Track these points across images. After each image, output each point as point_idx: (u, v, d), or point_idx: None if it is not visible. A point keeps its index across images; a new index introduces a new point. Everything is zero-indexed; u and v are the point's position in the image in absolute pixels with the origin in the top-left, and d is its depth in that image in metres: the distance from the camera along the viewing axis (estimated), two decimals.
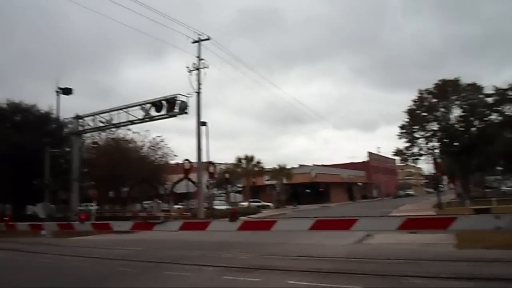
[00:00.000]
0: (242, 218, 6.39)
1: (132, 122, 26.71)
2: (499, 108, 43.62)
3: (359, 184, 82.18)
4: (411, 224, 5.09)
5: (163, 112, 24.32)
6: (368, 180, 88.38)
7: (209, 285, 8.05)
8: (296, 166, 66.57)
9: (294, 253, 11.35)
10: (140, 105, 24.79)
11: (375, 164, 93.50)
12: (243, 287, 7.60)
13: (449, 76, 47.89)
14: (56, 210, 32.16)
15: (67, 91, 30.48)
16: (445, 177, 60.57)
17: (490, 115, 45.12)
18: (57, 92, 30.03)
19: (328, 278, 7.79)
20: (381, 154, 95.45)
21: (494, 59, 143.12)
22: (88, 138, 46.40)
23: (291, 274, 8.35)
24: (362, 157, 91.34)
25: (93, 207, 30.76)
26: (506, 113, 43.27)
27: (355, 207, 49.99)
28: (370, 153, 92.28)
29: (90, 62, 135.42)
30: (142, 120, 25.59)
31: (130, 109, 25.41)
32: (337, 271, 8.24)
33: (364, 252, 11.10)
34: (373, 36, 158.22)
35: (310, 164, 70.43)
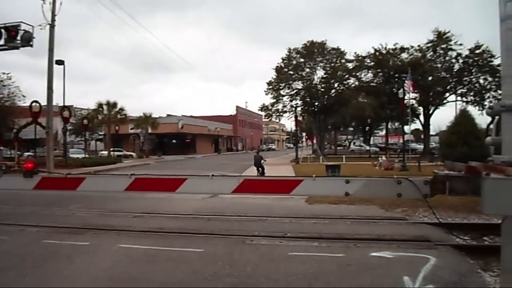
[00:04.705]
0: (38, 173, 4.91)
1: None
2: (357, 74, 47.10)
3: (225, 136, 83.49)
4: (250, 187, 4.38)
5: (2, 42, 20.41)
6: (235, 133, 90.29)
7: (24, 251, 6.58)
8: (163, 115, 64.44)
9: (141, 208, 10.31)
10: None
11: (242, 118, 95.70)
12: (65, 253, 6.34)
13: (311, 39, 50.09)
14: None
15: None
16: (304, 134, 64.68)
17: (348, 79, 48.59)
18: None
19: (166, 239, 6.93)
20: (248, 109, 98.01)
21: (352, 26, 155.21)
22: None
23: (127, 236, 7.32)
24: (230, 111, 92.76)
25: None
26: (362, 79, 46.99)
27: (219, 158, 50.49)
28: (238, 107, 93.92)
29: None
30: None
31: None
32: (179, 231, 7.47)
33: (215, 207, 10.56)
34: None
35: (178, 114, 68.85)
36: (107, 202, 11.35)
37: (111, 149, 45.96)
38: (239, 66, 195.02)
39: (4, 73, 37.84)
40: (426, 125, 45.90)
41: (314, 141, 49.28)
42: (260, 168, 20.22)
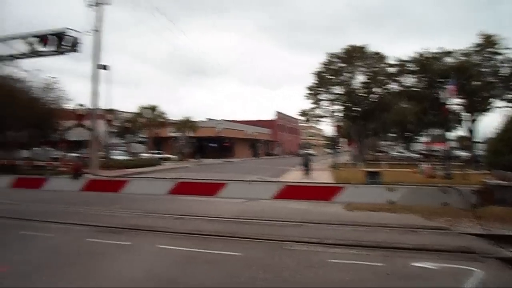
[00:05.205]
0: (83, 175, 5.12)
1: (13, 57, 23.04)
2: (398, 78, 46.04)
3: (263, 141, 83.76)
4: (291, 193, 4.38)
5: (51, 47, 21.36)
6: (273, 138, 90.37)
7: (68, 249, 6.86)
8: (203, 119, 65.38)
9: (179, 211, 10.48)
10: (22, 37, 21.39)
11: (280, 122, 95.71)
12: (107, 252, 6.56)
13: (349, 43, 49.49)
14: None
15: None
16: (343, 140, 63.82)
17: (389, 84, 47.53)
18: None
19: (205, 242, 7.03)
20: (286, 113, 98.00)
21: (390, 31, 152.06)
22: None
23: (166, 237, 7.46)
24: (267, 114, 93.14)
25: None
26: (404, 84, 45.88)
27: (257, 163, 50.66)
28: (278, 112, 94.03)
29: None
30: (27, 55, 22.17)
31: (12, 41, 21.86)
32: (217, 234, 7.54)
33: (252, 211, 10.56)
34: None
35: (217, 118, 69.67)
36: (146, 204, 11.61)
37: (152, 151, 47.06)
38: (276, 70, 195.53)
39: (51, 77, 39.46)
40: (471, 131, 44.22)
41: (354, 146, 48.56)
42: (307, 167, 24.34)
